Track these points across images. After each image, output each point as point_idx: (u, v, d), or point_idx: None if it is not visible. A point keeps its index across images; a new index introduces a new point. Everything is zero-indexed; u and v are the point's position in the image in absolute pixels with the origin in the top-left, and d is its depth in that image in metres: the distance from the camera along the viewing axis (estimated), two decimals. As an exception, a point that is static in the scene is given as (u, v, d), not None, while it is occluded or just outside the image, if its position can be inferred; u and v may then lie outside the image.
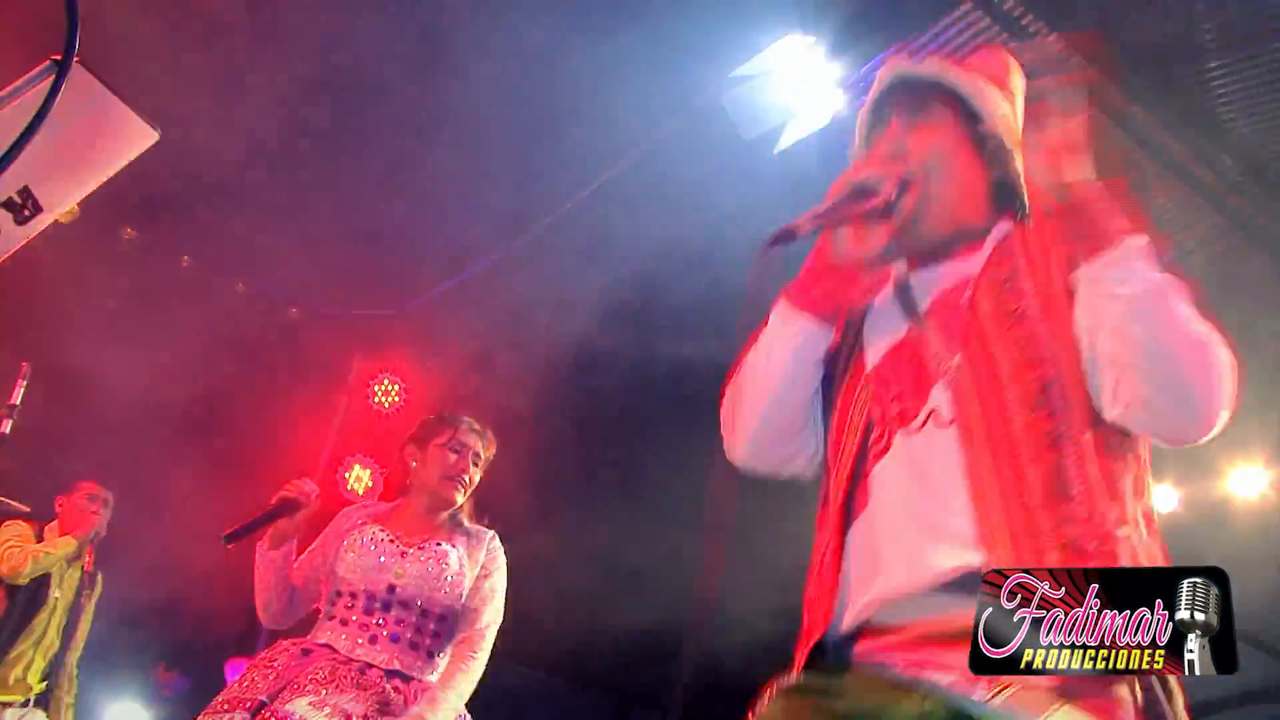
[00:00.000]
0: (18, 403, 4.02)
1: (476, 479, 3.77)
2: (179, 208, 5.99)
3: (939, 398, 1.73)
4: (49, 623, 5.51)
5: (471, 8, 4.60)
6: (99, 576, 5.84)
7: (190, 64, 4.85)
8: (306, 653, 3.32)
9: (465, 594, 3.51)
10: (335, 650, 3.33)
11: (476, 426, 3.82)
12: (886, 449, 1.75)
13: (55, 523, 5.64)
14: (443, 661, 3.48)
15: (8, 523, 5.55)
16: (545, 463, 6.35)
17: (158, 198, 5.76)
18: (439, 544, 3.55)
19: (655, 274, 5.51)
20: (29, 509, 5.56)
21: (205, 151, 5.24)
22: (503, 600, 3.63)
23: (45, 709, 5.44)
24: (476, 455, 3.75)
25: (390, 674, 3.30)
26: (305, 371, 6.82)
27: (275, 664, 3.28)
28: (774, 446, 1.88)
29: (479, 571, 3.60)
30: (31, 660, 5.44)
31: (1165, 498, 6.52)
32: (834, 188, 1.80)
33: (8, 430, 4.00)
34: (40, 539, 5.52)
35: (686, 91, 4.65)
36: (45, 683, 5.47)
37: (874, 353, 1.85)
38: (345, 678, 3.22)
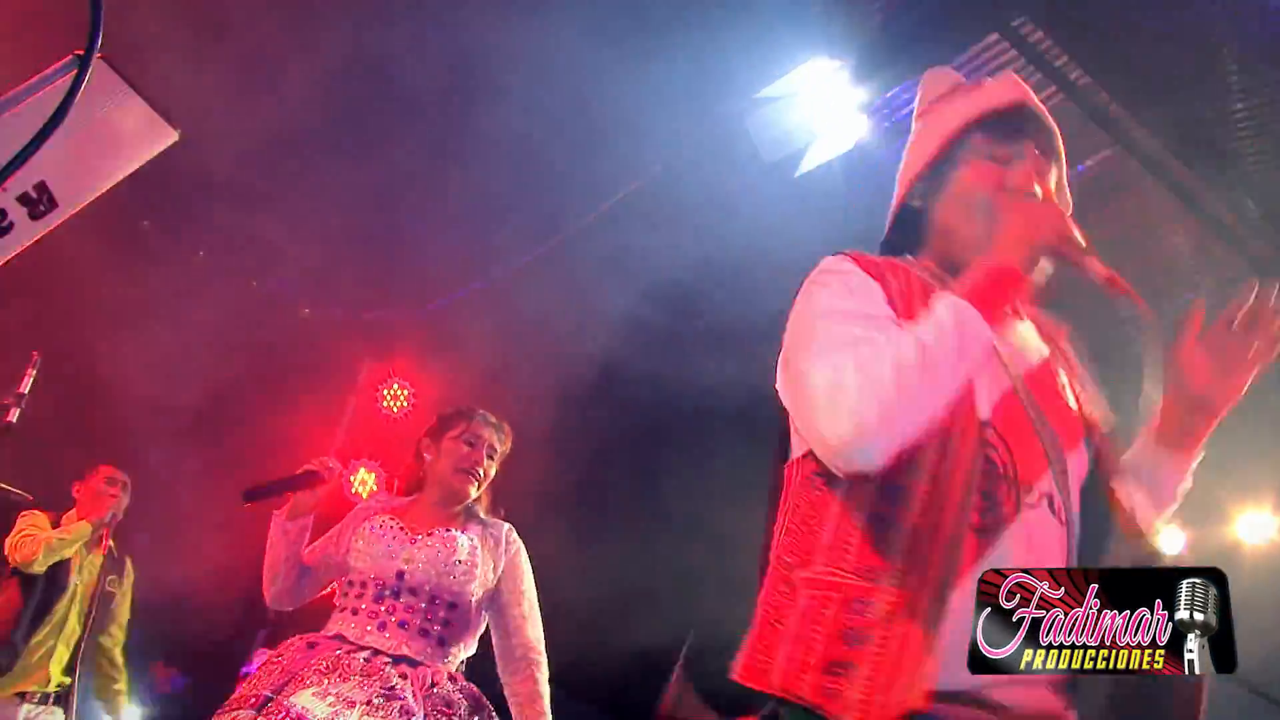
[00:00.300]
0: (25, 391, 3.99)
1: (492, 472, 3.77)
2: (196, 202, 5.99)
3: (1049, 486, 1.76)
4: (69, 610, 5.41)
5: (504, 20, 4.59)
6: (128, 561, 5.77)
7: (217, 58, 4.85)
8: (312, 645, 3.32)
9: (479, 586, 3.50)
10: (345, 639, 3.33)
11: (492, 419, 3.82)
12: (1010, 515, 1.69)
13: (74, 510, 5.58)
14: (456, 651, 3.47)
15: (25, 513, 5.48)
16: (554, 473, 6.33)
17: (176, 191, 5.76)
18: (448, 530, 3.56)
19: (674, 290, 5.50)
20: (32, 497, 5.52)
21: (227, 147, 5.24)
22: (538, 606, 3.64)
23: (64, 705, 5.36)
24: (491, 448, 3.76)
25: (397, 660, 3.29)
26: (315, 372, 6.81)
27: (282, 659, 3.28)
28: (910, 450, 1.64)
29: (505, 570, 3.59)
30: (53, 649, 5.33)
31: (1172, 540, 6.47)
32: (1052, 214, 1.80)
33: (15, 419, 3.97)
34: (57, 527, 5.46)
35: (711, 110, 4.63)
36: (69, 677, 5.37)
37: (982, 397, 1.75)
38: (349, 665, 3.21)
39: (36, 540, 5.26)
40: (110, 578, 5.62)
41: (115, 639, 5.70)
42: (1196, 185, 5.19)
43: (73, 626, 5.42)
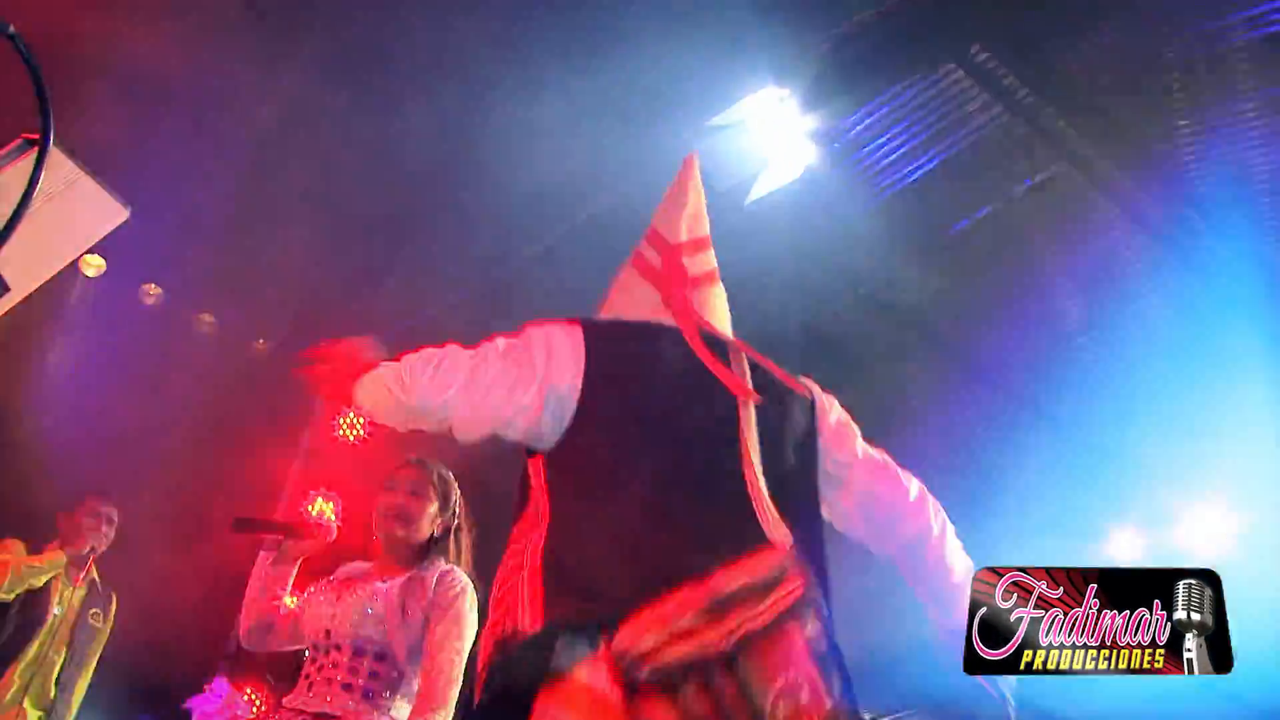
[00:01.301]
0: None
1: (429, 510, 3.58)
2: (147, 235, 5.92)
3: None
4: (49, 644, 5.23)
5: (440, 42, 4.56)
6: (114, 596, 5.59)
7: (185, 87, 4.81)
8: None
9: (401, 632, 3.35)
10: (284, 706, 3.36)
11: (415, 459, 3.69)
12: None
13: (55, 541, 5.37)
14: (389, 703, 3.34)
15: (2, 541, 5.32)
16: (505, 495, 6.27)
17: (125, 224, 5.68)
18: (372, 581, 3.49)
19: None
20: None
21: (183, 180, 5.20)
22: (464, 646, 3.36)
23: None
24: (417, 484, 3.60)
25: (316, 716, 3.27)
26: (270, 403, 6.74)
27: None
28: None
29: (429, 613, 3.38)
30: (29, 683, 5.15)
31: (1129, 545, 6.55)
32: None
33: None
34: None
35: (661, 140, 4.62)
36: (46, 712, 5.23)
37: None
38: None
39: (5, 565, 5.11)
40: (94, 610, 5.47)
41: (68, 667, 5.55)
42: (1142, 198, 5.26)
43: (52, 661, 5.25)
